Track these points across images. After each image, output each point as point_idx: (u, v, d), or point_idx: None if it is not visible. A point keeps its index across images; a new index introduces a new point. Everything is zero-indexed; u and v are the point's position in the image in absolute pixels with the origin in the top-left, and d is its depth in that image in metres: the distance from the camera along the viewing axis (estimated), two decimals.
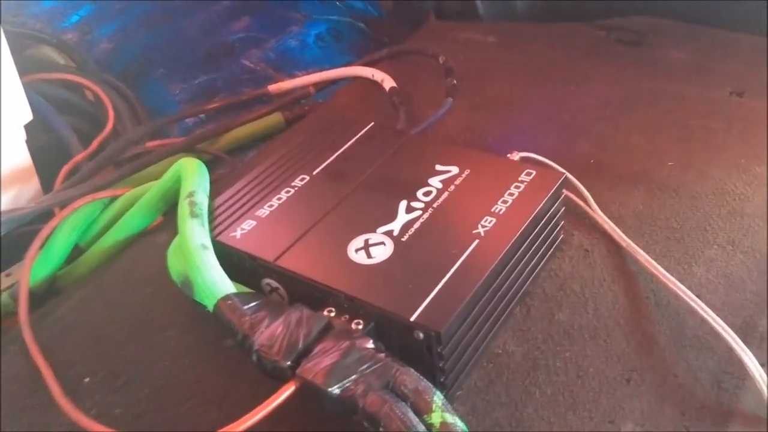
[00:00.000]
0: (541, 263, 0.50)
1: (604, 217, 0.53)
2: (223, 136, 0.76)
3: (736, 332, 0.44)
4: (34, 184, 0.70)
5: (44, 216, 0.61)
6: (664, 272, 0.48)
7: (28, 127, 0.69)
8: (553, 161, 0.56)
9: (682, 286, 0.47)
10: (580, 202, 0.55)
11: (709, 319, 0.45)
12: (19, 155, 0.68)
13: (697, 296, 0.46)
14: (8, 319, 0.59)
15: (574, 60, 0.74)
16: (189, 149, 0.72)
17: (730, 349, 0.43)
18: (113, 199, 0.62)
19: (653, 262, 0.49)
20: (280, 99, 0.80)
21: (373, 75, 0.73)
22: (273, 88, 0.81)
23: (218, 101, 0.82)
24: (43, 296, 0.58)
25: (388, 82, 0.70)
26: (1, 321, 0.56)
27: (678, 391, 0.42)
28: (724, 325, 0.44)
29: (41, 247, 0.59)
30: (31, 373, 0.47)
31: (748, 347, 0.43)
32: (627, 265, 0.50)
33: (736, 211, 0.54)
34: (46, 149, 0.74)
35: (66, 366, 0.48)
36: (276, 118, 0.78)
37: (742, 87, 0.67)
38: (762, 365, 0.42)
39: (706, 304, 0.45)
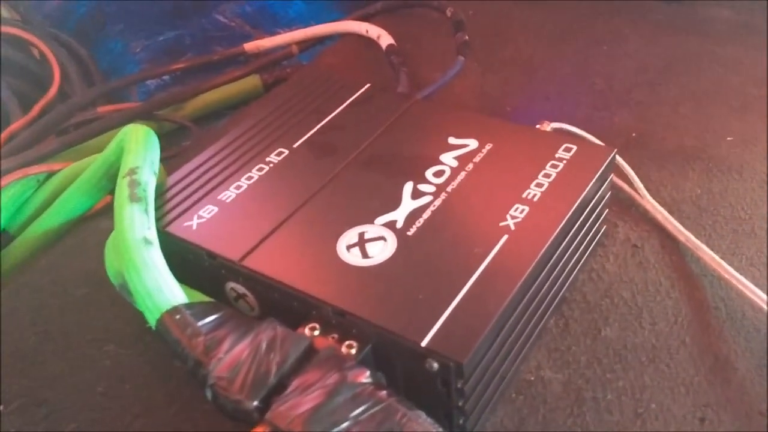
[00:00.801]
0: (581, 262, 0.39)
1: (655, 204, 0.43)
2: (189, 102, 0.65)
3: None
4: None
5: None
6: (736, 274, 0.38)
7: None
8: (588, 134, 0.45)
9: (760, 293, 0.37)
10: (625, 186, 0.45)
11: None
12: None
13: None
14: None
15: (604, 16, 0.63)
16: (148, 116, 0.61)
17: None
18: (50, 175, 0.51)
19: (721, 261, 0.39)
20: (258, 60, 0.69)
21: (367, 31, 0.62)
22: (249, 46, 0.70)
23: (185, 61, 0.70)
24: None
25: (385, 39, 0.59)
26: None
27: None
28: None
29: None
30: None
31: None
32: (687, 266, 0.40)
33: None
34: None
35: None
36: (252, 81, 0.67)
37: None
38: None
39: None
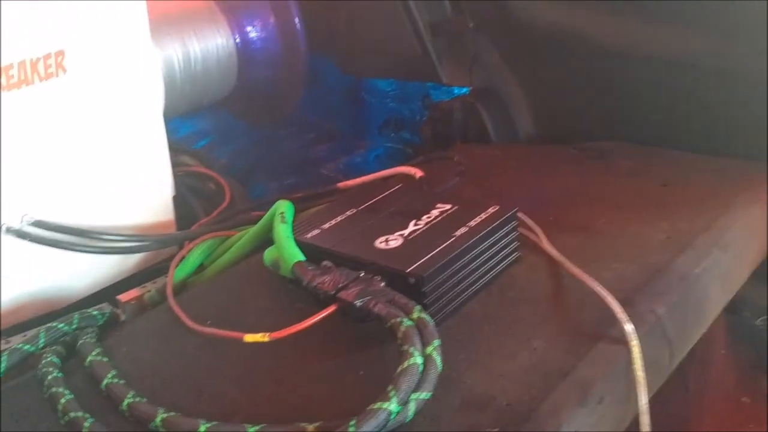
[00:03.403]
0: (500, 266, 0.76)
1: (550, 246, 0.80)
2: (302, 213, 1.07)
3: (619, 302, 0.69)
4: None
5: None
6: (581, 272, 0.74)
7: None
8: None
9: (589, 278, 0.73)
10: (535, 239, 0.82)
11: (602, 292, 0.70)
12: (167, 214, 1.01)
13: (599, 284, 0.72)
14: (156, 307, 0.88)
15: (552, 166, 1.04)
16: None
17: (611, 310, 0.68)
18: (227, 237, 0.93)
19: (576, 268, 0.75)
20: (346, 193, 1.11)
21: (409, 171, 1.04)
22: (341, 184, 1.13)
23: (300, 193, 1.13)
24: (177, 293, 0.87)
25: (418, 173, 1.01)
26: None
27: (571, 325, 0.67)
28: (611, 296, 0.69)
29: (179, 263, 0.89)
30: (173, 320, 0.76)
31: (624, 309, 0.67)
32: (559, 271, 0.76)
33: (640, 243, 0.80)
34: (181, 218, 1.07)
35: (194, 317, 0.76)
36: None
37: (666, 182, 0.94)
38: (630, 317, 0.67)
39: (604, 287, 0.71)
